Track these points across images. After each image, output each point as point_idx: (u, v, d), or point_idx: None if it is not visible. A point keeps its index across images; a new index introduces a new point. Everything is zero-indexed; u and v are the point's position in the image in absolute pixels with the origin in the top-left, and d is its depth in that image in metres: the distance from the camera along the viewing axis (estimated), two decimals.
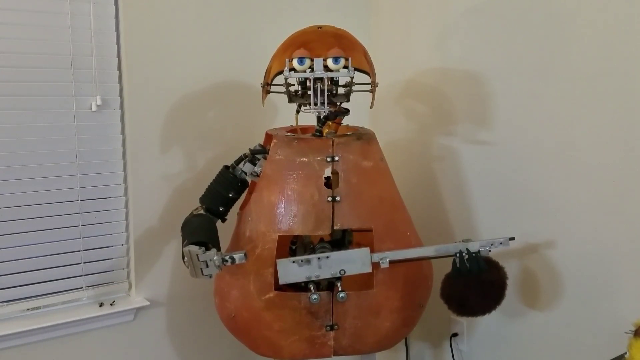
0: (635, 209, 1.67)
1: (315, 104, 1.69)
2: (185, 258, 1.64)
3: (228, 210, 1.85)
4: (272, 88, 1.85)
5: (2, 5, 1.80)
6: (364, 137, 1.80)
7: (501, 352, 2.07)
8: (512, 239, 1.70)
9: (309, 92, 1.73)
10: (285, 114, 2.04)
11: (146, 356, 2.14)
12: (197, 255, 1.61)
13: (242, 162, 1.84)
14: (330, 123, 1.83)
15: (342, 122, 1.84)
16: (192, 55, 2.10)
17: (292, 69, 1.73)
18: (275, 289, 1.70)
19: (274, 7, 2.26)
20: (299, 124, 1.87)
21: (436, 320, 2.24)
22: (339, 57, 1.66)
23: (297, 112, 1.84)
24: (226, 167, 1.85)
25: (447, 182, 2.21)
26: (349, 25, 2.42)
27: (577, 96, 1.78)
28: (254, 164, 1.83)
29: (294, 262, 1.63)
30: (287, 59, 1.69)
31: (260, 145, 1.87)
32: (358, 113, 1.93)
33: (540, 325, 1.94)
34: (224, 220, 1.85)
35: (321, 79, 1.67)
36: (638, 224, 1.67)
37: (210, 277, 1.64)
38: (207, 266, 1.61)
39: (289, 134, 1.84)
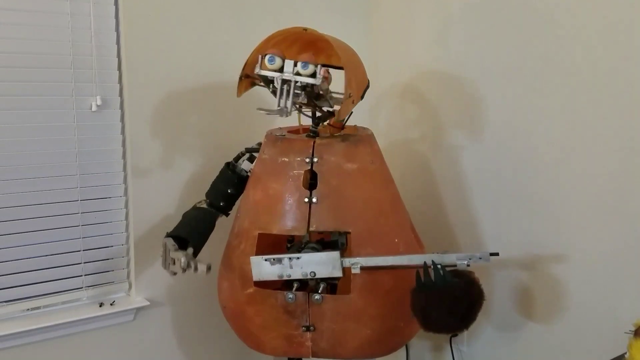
0: (634, 209, 1.67)
1: (278, 105, 1.66)
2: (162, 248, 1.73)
3: (230, 206, 1.91)
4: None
5: (2, 5, 1.80)
6: (350, 139, 1.77)
7: (501, 352, 2.07)
8: (495, 254, 1.61)
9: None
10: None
11: (146, 356, 2.14)
12: (169, 250, 1.69)
13: (241, 160, 1.89)
14: (330, 127, 1.83)
15: (346, 124, 1.83)
16: (192, 55, 2.10)
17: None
18: (255, 285, 1.70)
19: (274, 7, 2.26)
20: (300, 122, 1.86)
21: None
22: (308, 63, 1.61)
23: (299, 111, 1.84)
24: (227, 164, 1.91)
25: (447, 183, 2.21)
26: (349, 27, 2.43)
27: (577, 98, 1.78)
28: (252, 162, 1.87)
29: (266, 260, 1.64)
30: (260, 55, 1.66)
31: (259, 144, 1.90)
32: (356, 113, 1.92)
33: (540, 325, 1.94)
34: (227, 215, 1.91)
35: (288, 81, 1.63)
36: (637, 225, 1.67)
37: (175, 274, 1.71)
38: (174, 264, 1.67)
39: (284, 134, 1.84)
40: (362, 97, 1.79)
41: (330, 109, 1.81)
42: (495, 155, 2.03)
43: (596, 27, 1.72)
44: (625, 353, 1.34)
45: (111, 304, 2.04)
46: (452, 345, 2.20)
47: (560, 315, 1.88)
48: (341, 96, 1.69)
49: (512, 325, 2.02)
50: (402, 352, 2.34)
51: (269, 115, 2.02)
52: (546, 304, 1.92)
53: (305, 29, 1.70)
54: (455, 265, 1.59)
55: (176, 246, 1.70)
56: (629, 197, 1.68)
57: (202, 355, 2.26)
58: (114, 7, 1.97)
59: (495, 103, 2.02)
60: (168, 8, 2.05)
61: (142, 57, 2.01)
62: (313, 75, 1.61)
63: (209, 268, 1.65)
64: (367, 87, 1.83)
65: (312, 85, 1.65)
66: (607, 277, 1.75)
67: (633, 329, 1.34)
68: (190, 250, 1.72)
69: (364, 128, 1.93)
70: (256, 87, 1.82)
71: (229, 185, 1.87)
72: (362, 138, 1.81)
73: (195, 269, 1.65)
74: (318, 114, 1.82)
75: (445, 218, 2.22)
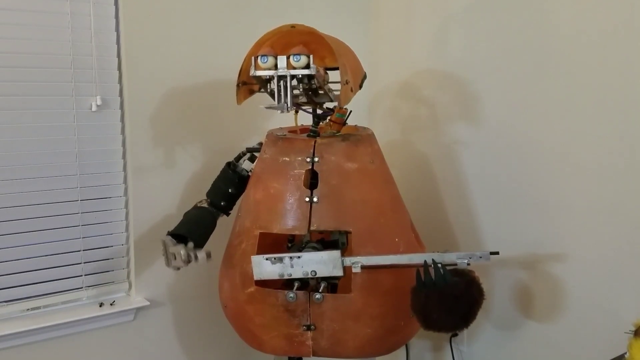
0: (634, 209, 1.67)
1: (279, 102, 1.65)
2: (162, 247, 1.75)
3: (230, 205, 1.92)
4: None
5: (2, 5, 1.80)
6: (350, 138, 1.77)
7: (501, 352, 2.07)
8: (495, 253, 1.62)
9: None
10: (289, 114, 2.04)
11: (146, 356, 2.14)
12: (168, 246, 1.73)
13: (242, 159, 1.90)
14: (332, 123, 1.83)
15: (347, 122, 1.83)
16: (192, 55, 2.10)
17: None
18: (256, 284, 1.71)
19: (274, 7, 2.26)
20: (298, 123, 1.87)
21: None
22: (300, 54, 1.61)
23: (296, 112, 1.84)
24: (228, 164, 1.92)
25: (447, 183, 2.21)
26: (349, 26, 2.43)
27: (577, 97, 1.78)
28: (253, 162, 1.88)
29: (267, 259, 1.64)
30: (253, 57, 1.66)
31: (259, 143, 1.90)
32: (356, 113, 1.92)
33: (540, 325, 1.94)
34: (227, 214, 1.92)
35: (285, 77, 1.63)
36: (637, 224, 1.67)
37: (178, 269, 1.73)
38: (175, 259, 1.70)
39: (284, 134, 1.84)
40: (360, 87, 1.79)
41: (330, 106, 1.82)
42: (495, 154, 2.03)
43: (595, 26, 1.72)
44: (625, 353, 1.34)
45: (111, 304, 2.04)
46: (452, 345, 2.20)
47: (560, 315, 1.88)
48: (339, 91, 1.69)
49: (512, 325, 2.03)
50: (402, 351, 2.35)
51: (270, 115, 2.02)
52: (546, 304, 1.92)
53: (293, 26, 1.70)
54: (455, 265, 1.59)
55: (175, 241, 1.74)
56: (629, 196, 1.68)
57: (202, 355, 2.26)
58: (114, 7, 1.97)
59: (494, 102, 2.02)
60: (168, 8, 2.05)
61: (142, 58, 2.01)
62: (307, 67, 1.61)
63: (208, 255, 1.70)
64: (365, 77, 1.84)
65: (309, 79, 1.65)
66: (607, 277, 1.75)
67: (633, 329, 1.33)
68: (190, 244, 1.74)
69: (364, 128, 1.93)
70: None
71: (230, 185, 1.89)
72: (363, 138, 1.81)
73: (196, 258, 1.69)
74: (318, 111, 1.83)
75: (445, 217, 2.22)
